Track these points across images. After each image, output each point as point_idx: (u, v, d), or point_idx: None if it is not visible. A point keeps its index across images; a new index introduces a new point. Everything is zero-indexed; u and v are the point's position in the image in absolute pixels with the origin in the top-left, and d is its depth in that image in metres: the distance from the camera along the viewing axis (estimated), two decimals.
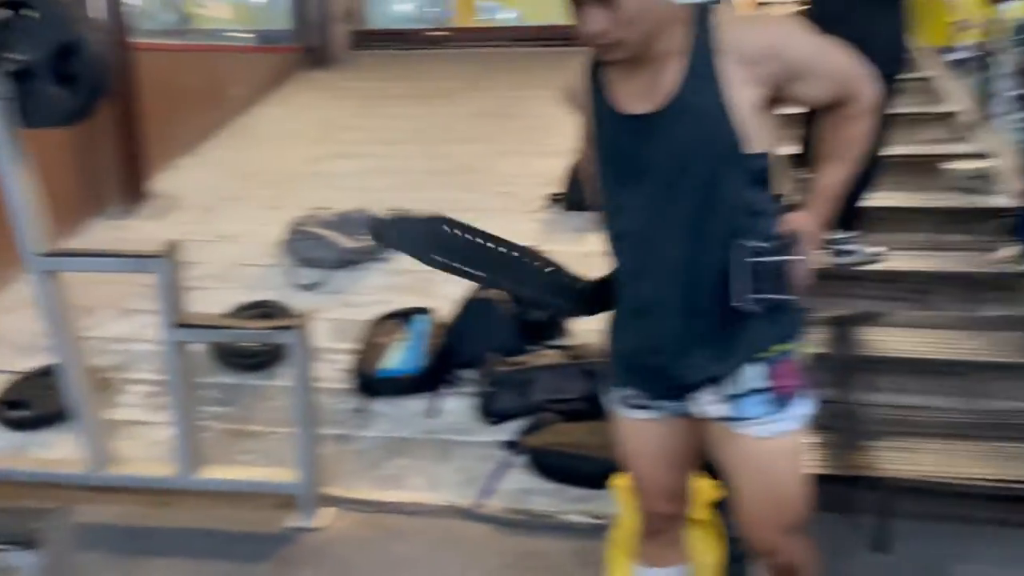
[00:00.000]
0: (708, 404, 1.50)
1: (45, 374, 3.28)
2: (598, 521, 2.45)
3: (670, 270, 1.45)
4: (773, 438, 1.49)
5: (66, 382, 2.52)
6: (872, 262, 3.52)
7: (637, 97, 1.43)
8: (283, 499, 2.61)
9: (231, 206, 4.89)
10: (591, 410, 2.67)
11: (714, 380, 1.48)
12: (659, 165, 1.42)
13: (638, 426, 1.61)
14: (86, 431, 2.56)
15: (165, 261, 2.39)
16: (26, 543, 1.28)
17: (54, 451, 2.91)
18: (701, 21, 1.39)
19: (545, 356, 3.11)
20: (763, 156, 1.42)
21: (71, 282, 2.54)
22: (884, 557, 2.43)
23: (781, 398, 1.48)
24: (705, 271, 1.43)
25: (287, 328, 2.43)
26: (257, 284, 4.03)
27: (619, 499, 2.09)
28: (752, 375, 1.47)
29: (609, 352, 1.61)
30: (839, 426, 2.81)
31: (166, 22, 7.32)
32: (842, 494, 2.64)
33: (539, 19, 8.68)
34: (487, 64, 7.81)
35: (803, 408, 1.51)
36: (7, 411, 3.13)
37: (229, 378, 3.31)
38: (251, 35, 8.16)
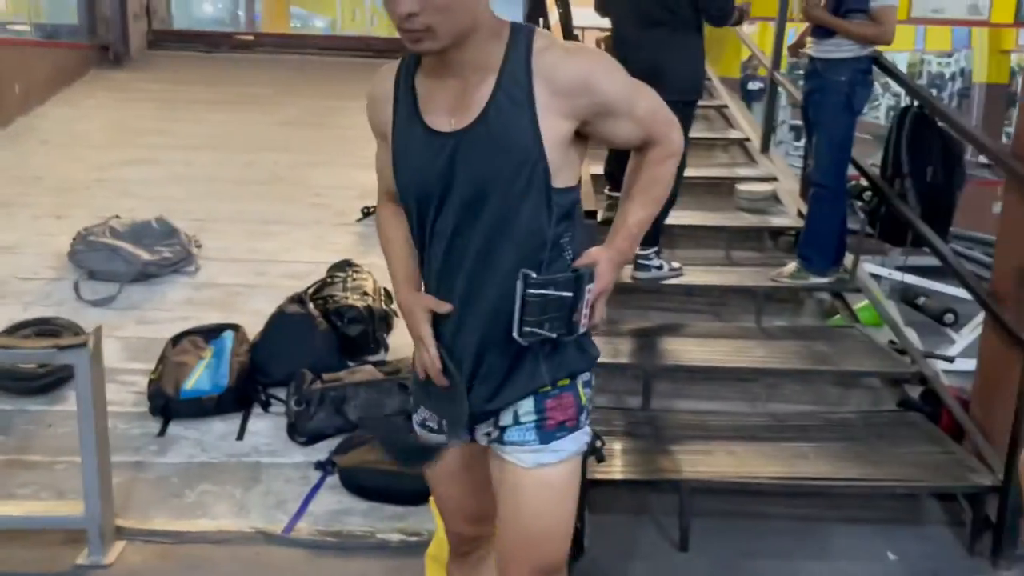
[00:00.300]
0: (483, 433, 1.50)
1: None
2: (415, 538, 2.41)
3: (465, 301, 1.42)
4: (536, 469, 1.45)
5: None
6: (672, 277, 3.74)
7: (444, 112, 1.38)
8: (72, 534, 2.37)
9: (9, 214, 4.42)
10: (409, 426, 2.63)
11: (493, 413, 1.47)
12: (459, 188, 1.37)
13: None
14: None
15: None
16: None
17: None
18: (519, 42, 1.37)
19: (361, 372, 3.04)
20: (567, 191, 1.41)
21: None
22: (685, 555, 2.57)
23: (550, 429, 1.45)
24: (498, 303, 1.39)
25: (71, 347, 2.22)
26: (37, 300, 3.67)
27: (436, 515, 2.06)
28: (525, 407, 1.45)
29: (413, 373, 1.57)
30: (641, 433, 2.95)
31: None
32: (645, 497, 2.78)
33: (354, 29, 8.57)
34: (298, 72, 7.59)
35: (572, 444, 1.48)
36: None
37: (5, 404, 2.98)
38: (30, 28, 7.46)
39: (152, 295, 3.76)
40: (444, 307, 1.44)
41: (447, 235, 1.40)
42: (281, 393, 3.04)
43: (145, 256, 3.79)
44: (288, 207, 4.76)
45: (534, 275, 1.36)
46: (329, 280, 3.56)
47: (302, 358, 3.07)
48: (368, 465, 2.62)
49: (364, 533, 2.48)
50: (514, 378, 1.44)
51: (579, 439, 1.49)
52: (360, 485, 2.61)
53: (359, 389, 2.90)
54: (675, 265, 3.76)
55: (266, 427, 2.96)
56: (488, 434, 1.49)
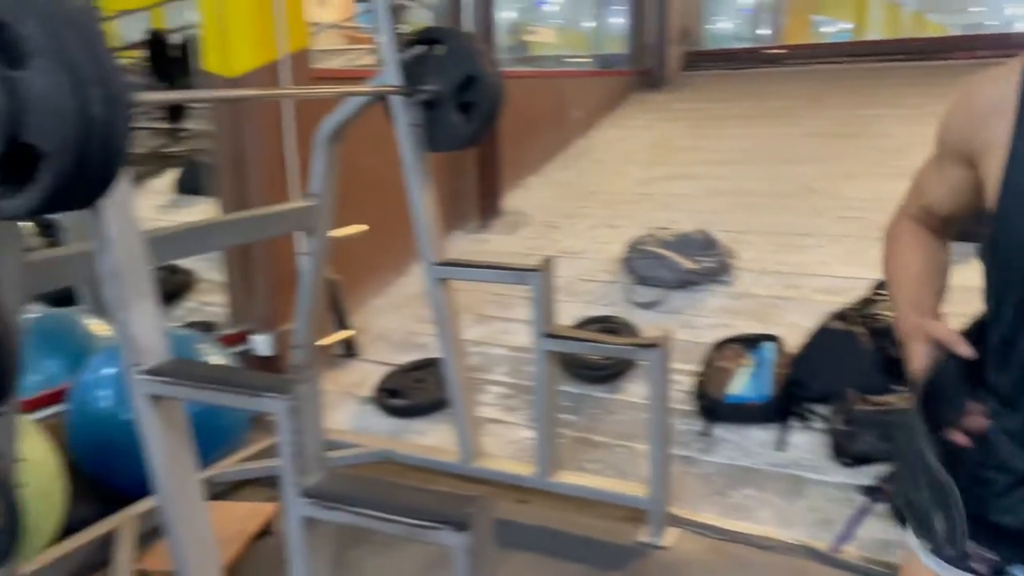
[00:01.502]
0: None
1: (418, 368, 3.69)
2: None
3: None
4: None
5: (448, 377, 2.79)
6: None
7: None
8: (630, 512, 2.66)
9: (573, 224, 5.13)
10: None
11: None
12: None
13: None
14: (460, 424, 2.81)
15: (541, 275, 2.56)
16: (459, 525, 1.42)
17: (427, 438, 3.24)
18: None
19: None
20: None
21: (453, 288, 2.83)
22: None
23: None
24: None
25: (649, 346, 2.48)
26: (598, 299, 4.18)
27: None
28: None
29: (953, 502, 1.10)
30: None
31: (508, 49, 7.92)
32: None
33: (877, 33, 8.10)
34: (824, 81, 7.43)
35: None
36: (386, 398, 3.54)
37: (574, 388, 3.46)
38: (589, 60, 8.55)
39: (693, 301, 4.02)
40: (962, 348, 1.11)
41: None
42: (819, 409, 3.01)
43: (688, 265, 4.08)
44: (818, 220, 4.70)
45: None
46: (874, 297, 3.42)
47: (844, 376, 3.01)
48: None
49: None
50: None
51: None
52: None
53: None
54: None
55: (805, 442, 2.96)
56: None
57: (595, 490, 2.69)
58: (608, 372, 3.43)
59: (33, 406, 2.72)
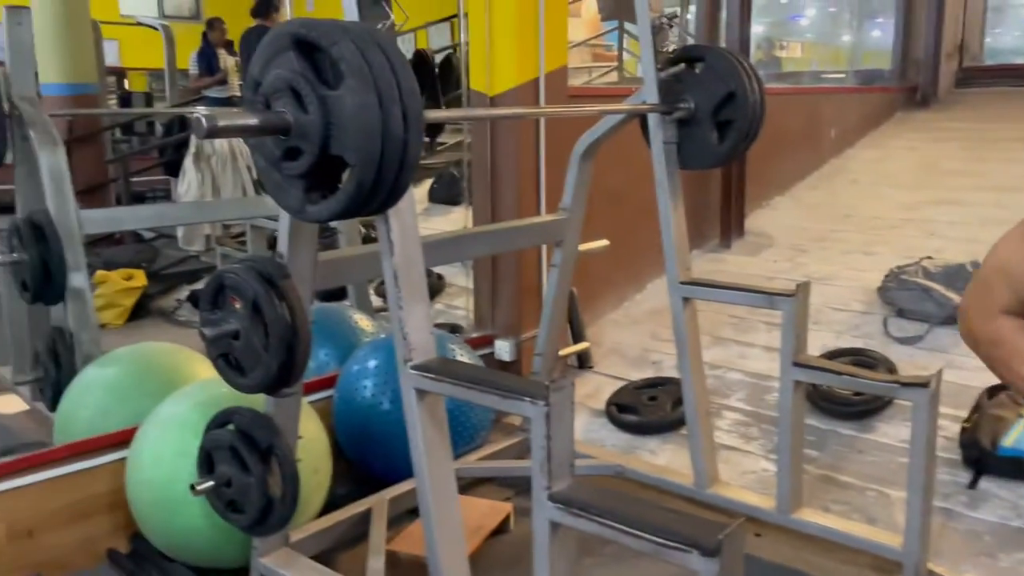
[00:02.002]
0: None
1: (651, 385, 3.68)
2: None
3: None
4: None
5: (686, 398, 2.75)
6: None
7: None
8: (878, 561, 2.47)
9: (823, 248, 4.87)
10: None
11: None
12: None
13: None
14: (696, 448, 2.76)
15: (795, 300, 2.46)
16: (709, 550, 1.39)
17: (658, 458, 3.21)
18: None
19: None
20: None
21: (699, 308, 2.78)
22: None
23: None
24: None
25: (916, 384, 2.29)
26: (848, 330, 3.93)
27: None
28: None
29: None
30: None
31: (758, 64, 7.66)
32: None
33: None
34: None
35: None
36: (617, 413, 3.55)
37: (819, 422, 3.28)
38: (846, 75, 8.08)
39: (960, 340, 3.66)
40: None
41: None
42: None
43: (957, 299, 3.72)
44: None
45: None
46: None
47: None
48: None
49: None
50: None
51: None
52: None
53: None
54: None
55: None
56: None
57: (842, 533, 2.52)
58: (859, 409, 3.21)
59: (307, 390, 3.02)
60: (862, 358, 3.46)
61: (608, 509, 1.56)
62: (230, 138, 4.51)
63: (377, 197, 1.57)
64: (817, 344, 3.75)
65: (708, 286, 2.70)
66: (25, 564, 2.42)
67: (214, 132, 1.44)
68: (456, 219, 5.72)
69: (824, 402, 3.29)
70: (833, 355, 3.54)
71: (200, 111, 1.44)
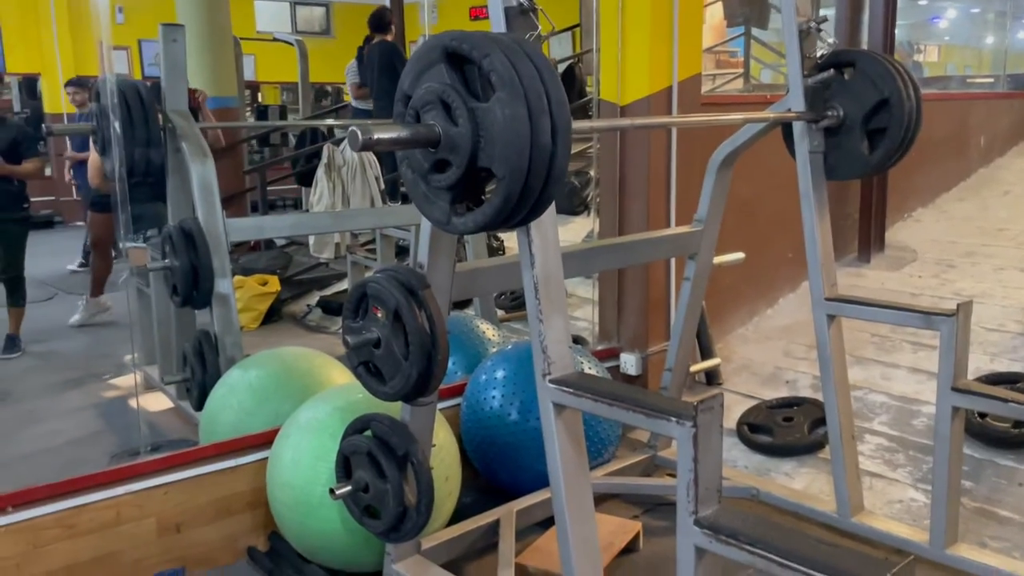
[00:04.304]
0: None
1: (786, 405, 3.52)
2: None
3: None
4: None
5: (829, 420, 2.61)
6: None
7: None
8: None
9: (972, 263, 4.56)
10: None
11: None
12: None
13: None
14: (839, 473, 2.61)
15: (955, 320, 2.29)
16: None
17: (795, 482, 3.07)
18: None
19: None
20: None
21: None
22: None
23: None
24: None
25: None
26: (1004, 352, 3.65)
27: None
28: None
29: None
30: None
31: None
32: None
33: None
34: None
35: None
36: (749, 432, 3.41)
37: (972, 451, 3.05)
38: (994, 80, 7.58)
39: None
40: None
41: None
42: None
43: None
44: None
45: None
46: None
47: None
48: None
49: None
50: None
51: None
52: None
53: None
54: None
55: None
56: None
57: (1003, 572, 2.33)
58: (1016, 437, 2.97)
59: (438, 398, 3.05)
60: (1021, 384, 3.20)
61: (759, 539, 1.48)
62: (381, 151, 4.63)
63: (523, 210, 1.55)
64: (970, 367, 3.47)
65: (856, 303, 2.56)
66: (172, 558, 2.53)
67: (369, 145, 1.46)
68: (576, 229, 5.69)
69: (983, 429, 3.06)
70: (989, 380, 3.29)
71: (356, 126, 1.46)
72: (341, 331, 2.04)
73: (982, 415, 3.06)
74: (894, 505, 2.85)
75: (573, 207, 6.44)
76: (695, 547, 1.56)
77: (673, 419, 1.58)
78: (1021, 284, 4.09)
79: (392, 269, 1.98)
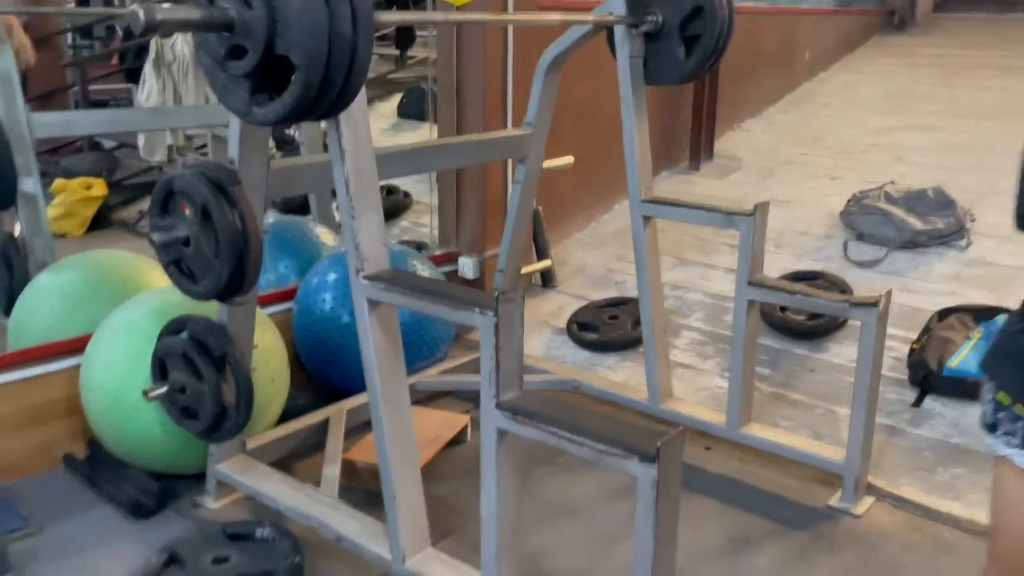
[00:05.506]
0: None
1: (613, 305, 3.70)
2: None
3: None
4: None
5: (643, 316, 2.78)
6: None
7: None
8: (822, 475, 2.56)
9: (790, 171, 4.87)
10: None
11: None
12: None
13: None
14: (651, 364, 2.80)
15: (752, 220, 2.47)
16: (647, 457, 1.43)
17: (616, 375, 3.27)
18: None
19: None
20: None
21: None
22: None
23: None
24: None
25: (865, 304, 2.33)
26: (809, 253, 3.97)
27: None
28: None
29: None
30: None
31: None
32: None
33: None
34: None
35: None
36: (578, 330, 3.58)
37: (774, 342, 3.34)
38: None
39: (917, 264, 3.72)
40: None
41: None
42: None
43: (917, 225, 3.76)
44: None
45: None
46: None
47: None
48: None
49: None
50: None
51: None
52: None
53: None
54: None
55: None
56: None
57: (787, 447, 2.60)
58: (810, 329, 3.27)
59: (266, 302, 3.01)
60: (820, 281, 3.51)
61: (554, 417, 1.58)
62: (173, 34, 4.33)
63: (325, 100, 1.53)
64: (777, 266, 3.79)
65: (669, 204, 2.70)
66: None
67: (152, 26, 1.38)
68: (425, 134, 5.62)
69: (780, 323, 3.34)
70: (792, 277, 3.57)
71: (139, 5, 1.38)
72: (147, 228, 1.96)
73: (783, 309, 3.34)
74: (701, 392, 3.09)
75: (424, 112, 6.35)
76: (497, 428, 1.65)
77: (476, 310, 1.64)
78: (829, 191, 4.42)
79: (200, 165, 1.92)
